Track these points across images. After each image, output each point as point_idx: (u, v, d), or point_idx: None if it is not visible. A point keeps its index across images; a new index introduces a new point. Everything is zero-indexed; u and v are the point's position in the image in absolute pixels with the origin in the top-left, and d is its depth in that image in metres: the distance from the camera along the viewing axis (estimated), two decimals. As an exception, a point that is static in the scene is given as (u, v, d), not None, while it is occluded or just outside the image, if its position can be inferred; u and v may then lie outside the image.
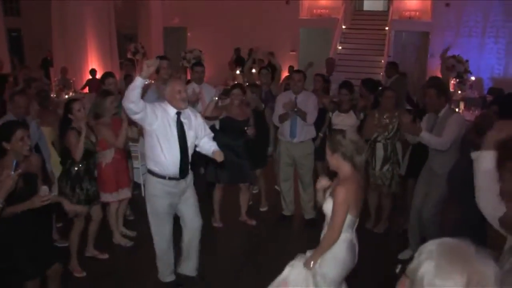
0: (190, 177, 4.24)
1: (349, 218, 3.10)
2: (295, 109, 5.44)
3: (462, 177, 4.28)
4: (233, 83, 10.56)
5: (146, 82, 3.84)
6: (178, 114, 4.00)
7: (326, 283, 3.13)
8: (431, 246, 1.34)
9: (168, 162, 3.97)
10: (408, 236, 5.08)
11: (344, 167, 3.13)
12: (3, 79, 8.62)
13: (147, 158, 4.09)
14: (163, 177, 4.03)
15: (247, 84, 7.14)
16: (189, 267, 4.47)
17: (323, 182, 3.26)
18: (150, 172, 4.09)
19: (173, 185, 4.07)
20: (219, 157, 4.01)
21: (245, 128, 5.34)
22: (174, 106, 3.97)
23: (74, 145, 4.35)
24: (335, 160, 3.15)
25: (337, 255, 3.13)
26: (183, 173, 4.04)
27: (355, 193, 3.10)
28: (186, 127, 4.02)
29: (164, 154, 3.96)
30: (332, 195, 3.10)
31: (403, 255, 4.98)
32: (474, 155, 3.06)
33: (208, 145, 4.16)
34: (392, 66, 8.14)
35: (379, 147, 5.43)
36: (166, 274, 4.41)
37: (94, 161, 4.69)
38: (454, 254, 1.29)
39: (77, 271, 4.57)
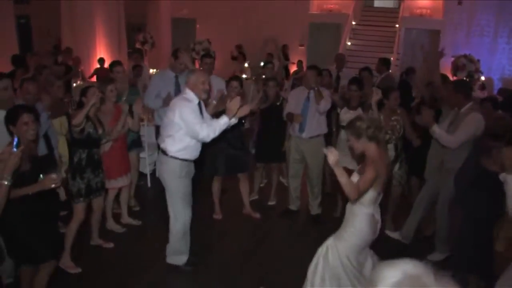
0: None
1: (371, 194, 3.30)
2: (315, 88, 5.43)
3: (469, 179, 4.28)
4: (241, 76, 10.54)
5: None
6: (200, 104, 4.28)
7: (341, 250, 3.36)
8: (392, 277, 1.33)
9: (194, 147, 4.31)
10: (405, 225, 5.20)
11: (370, 148, 3.30)
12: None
13: (170, 145, 4.27)
14: (185, 160, 4.31)
15: (264, 78, 7.09)
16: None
17: (332, 156, 3.09)
18: (174, 157, 4.27)
19: (191, 165, 4.42)
20: (235, 104, 4.14)
21: (242, 120, 5.31)
22: (196, 95, 4.22)
23: (77, 113, 4.40)
24: (361, 145, 3.35)
25: (356, 226, 3.36)
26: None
27: (383, 172, 3.29)
28: (204, 115, 4.33)
29: (192, 141, 4.23)
30: (361, 172, 3.31)
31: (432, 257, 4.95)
32: (501, 177, 3.23)
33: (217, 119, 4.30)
34: (383, 63, 7.98)
35: (391, 149, 5.30)
36: (181, 257, 4.55)
37: (98, 151, 4.65)
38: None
39: (71, 267, 4.45)
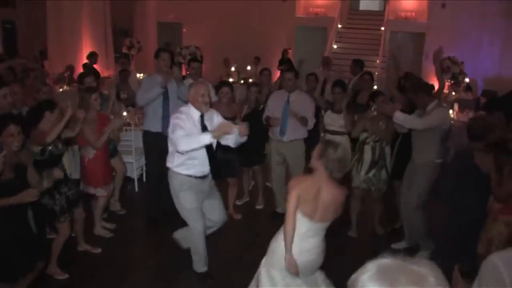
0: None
1: (302, 217, 3.22)
2: (299, 116, 5.51)
3: (454, 178, 4.36)
4: (227, 80, 10.56)
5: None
6: (202, 117, 4.16)
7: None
8: (371, 270, 1.32)
9: (193, 164, 4.16)
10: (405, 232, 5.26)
11: (321, 173, 3.27)
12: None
13: (170, 160, 4.25)
14: (187, 175, 4.21)
15: (248, 82, 7.20)
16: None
17: None
18: (173, 171, 4.25)
19: (197, 181, 4.23)
20: (244, 130, 4.02)
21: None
22: (197, 108, 4.13)
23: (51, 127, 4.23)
24: (317, 164, 3.29)
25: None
26: (213, 171, 4.29)
27: (311, 193, 3.22)
28: (210, 128, 4.12)
29: (191, 156, 4.10)
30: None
31: (397, 245, 5.20)
32: None
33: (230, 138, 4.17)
34: (357, 64, 8.07)
35: (367, 150, 5.37)
36: (199, 265, 4.55)
37: (62, 165, 4.58)
38: (393, 276, 1.29)
39: (57, 273, 4.48)
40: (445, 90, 9.56)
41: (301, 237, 3.25)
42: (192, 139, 3.89)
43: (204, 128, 4.14)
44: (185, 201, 4.26)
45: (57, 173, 4.01)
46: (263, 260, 3.48)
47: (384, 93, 5.73)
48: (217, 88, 5.59)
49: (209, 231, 4.62)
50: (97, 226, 5.40)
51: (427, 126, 4.71)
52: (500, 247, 3.69)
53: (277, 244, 3.33)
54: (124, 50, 12.66)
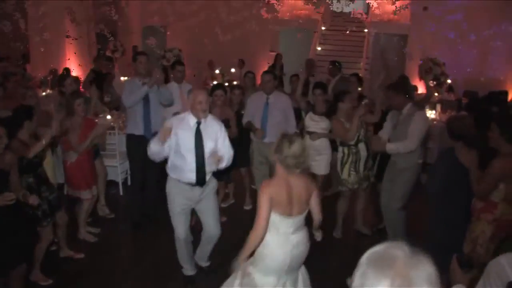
0: (210, 186, 4.39)
1: (274, 215, 3.18)
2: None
3: (440, 179, 4.41)
4: (212, 82, 10.57)
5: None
6: (198, 123, 4.13)
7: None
8: (363, 258, 1.39)
9: (181, 169, 4.16)
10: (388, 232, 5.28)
11: (280, 168, 3.24)
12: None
13: (168, 161, 4.26)
14: (177, 179, 4.23)
15: (229, 85, 7.22)
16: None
17: None
18: (167, 172, 4.31)
19: (186, 188, 4.23)
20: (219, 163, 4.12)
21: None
22: (195, 115, 4.11)
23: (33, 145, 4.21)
24: (274, 159, 3.26)
25: (266, 252, 3.26)
26: (199, 180, 4.19)
27: (281, 193, 3.18)
28: (205, 136, 4.13)
29: (180, 161, 4.13)
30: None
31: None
32: None
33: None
34: (334, 65, 8.11)
35: (362, 148, 5.36)
36: (185, 268, 4.58)
37: (42, 169, 4.52)
38: (379, 260, 1.34)
39: (42, 279, 4.46)
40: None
41: (287, 236, 3.25)
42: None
43: (198, 135, 4.12)
44: (172, 204, 4.28)
45: (32, 199, 3.89)
46: (249, 259, 3.42)
47: (364, 98, 5.74)
48: (211, 91, 5.59)
49: (203, 254, 4.69)
50: (82, 231, 5.37)
51: (419, 140, 4.74)
52: (484, 246, 3.76)
53: (263, 246, 3.29)
54: (108, 53, 12.56)
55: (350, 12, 15.44)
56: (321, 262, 3.64)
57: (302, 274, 3.53)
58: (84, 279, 4.57)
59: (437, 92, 10.36)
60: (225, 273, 4.60)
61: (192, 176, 4.17)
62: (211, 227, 4.45)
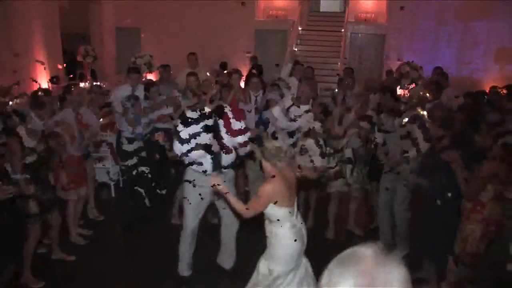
0: (228, 176, 4.39)
1: (283, 211, 3.29)
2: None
3: (427, 177, 4.39)
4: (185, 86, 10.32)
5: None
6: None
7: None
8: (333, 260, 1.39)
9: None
10: (380, 233, 5.37)
11: (266, 166, 3.36)
12: None
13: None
14: (196, 171, 4.29)
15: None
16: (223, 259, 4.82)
17: (216, 181, 3.33)
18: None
19: (201, 177, 4.27)
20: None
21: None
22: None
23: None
24: (258, 154, 3.46)
25: (282, 243, 3.39)
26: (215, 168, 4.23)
27: (281, 189, 3.26)
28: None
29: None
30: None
31: None
32: None
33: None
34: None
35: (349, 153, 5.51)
36: (182, 267, 4.60)
37: (44, 170, 4.59)
38: (346, 258, 1.36)
39: (32, 281, 4.45)
40: (406, 94, 9.58)
41: (292, 225, 3.37)
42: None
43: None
44: (191, 194, 4.33)
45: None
46: (264, 254, 3.53)
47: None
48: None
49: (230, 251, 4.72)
50: (72, 233, 5.36)
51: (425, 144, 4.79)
52: (474, 245, 3.94)
53: (277, 241, 3.39)
54: (79, 59, 12.19)
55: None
56: (313, 262, 3.61)
57: (306, 264, 3.64)
58: (75, 282, 4.58)
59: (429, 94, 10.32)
60: (220, 274, 4.56)
61: (204, 164, 4.23)
62: (231, 217, 4.49)
